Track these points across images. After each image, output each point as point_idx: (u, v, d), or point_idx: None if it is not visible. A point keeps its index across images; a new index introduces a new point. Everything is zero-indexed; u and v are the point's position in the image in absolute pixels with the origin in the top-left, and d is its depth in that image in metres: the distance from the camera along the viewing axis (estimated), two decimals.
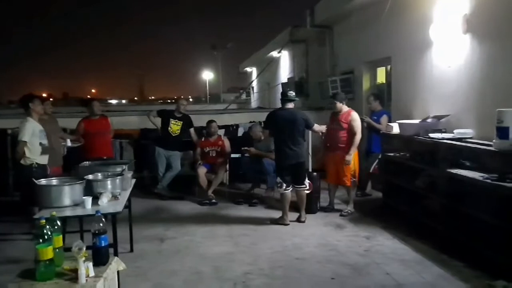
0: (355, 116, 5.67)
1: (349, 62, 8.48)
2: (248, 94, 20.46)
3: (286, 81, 12.73)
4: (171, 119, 6.90)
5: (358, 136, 5.59)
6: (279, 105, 5.70)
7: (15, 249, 4.68)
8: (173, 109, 7.08)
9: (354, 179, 5.81)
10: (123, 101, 53.18)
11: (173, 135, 6.92)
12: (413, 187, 5.24)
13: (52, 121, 5.76)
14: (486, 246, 3.93)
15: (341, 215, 5.73)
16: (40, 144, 4.94)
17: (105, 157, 5.95)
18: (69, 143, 6.06)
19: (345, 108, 5.76)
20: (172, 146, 6.94)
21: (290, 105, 5.52)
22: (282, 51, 12.87)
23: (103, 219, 2.77)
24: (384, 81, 7.54)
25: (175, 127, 6.90)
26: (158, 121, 7.08)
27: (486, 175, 3.94)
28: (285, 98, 5.51)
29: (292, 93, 5.63)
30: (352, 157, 5.59)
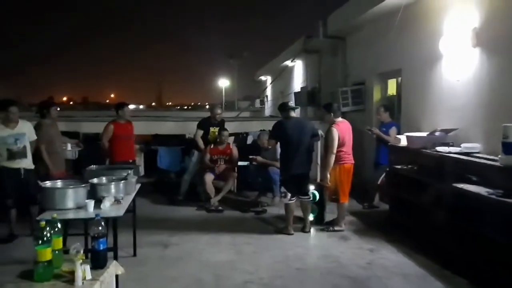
0: (330, 131, 5.35)
1: (360, 73, 8.46)
2: (263, 102, 20.57)
3: (299, 90, 12.76)
4: (210, 128, 7.11)
5: (329, 153, 5.31)
6: None
7: (20, 250, 4.77)
8: (209, 117, 7.22)
9: (334, 197, 5.51)
10: (141, 107, 53.74)
11: (211, 141, 7.11)
12: (419, 200, 5.19)
13: (54, 125, 5.78)
14: (490, 263, 3.87)
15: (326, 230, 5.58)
16: (8, 150, 5.02)
17: (130, 161, 6.12)
18: (69, 147, 6.17)
19: (334, 120, 5.49)
20: None
21: (294, 114, 5.54)
22: (296, 60, 12.92)
23: (102, 223, 2.81)
24: (395, 93, 7.50)
25: (213, 133, 7.12)
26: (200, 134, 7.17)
27: (491, 191, 3.89)
28: (287, 108, 5.52)
29: (291, 103, 5.70)
30: (327, 173, 5.35)
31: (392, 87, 7.66)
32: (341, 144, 5.37)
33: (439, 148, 4.78)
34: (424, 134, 5.37)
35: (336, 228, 5.54)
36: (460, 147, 4.66)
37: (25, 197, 5.14)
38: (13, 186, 5.06)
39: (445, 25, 5.38)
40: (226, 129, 7.08)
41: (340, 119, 5.58)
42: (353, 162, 5.58)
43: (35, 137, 5.32)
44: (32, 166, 5.26)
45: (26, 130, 5.20)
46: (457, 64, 5.19)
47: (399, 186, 5.70)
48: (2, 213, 5.22)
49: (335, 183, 5.46)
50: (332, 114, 5.50)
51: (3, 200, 5.10)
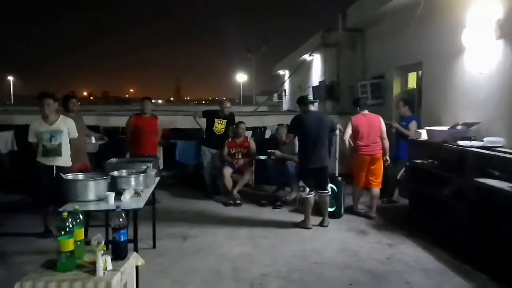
0: (352, 120, 5.90)
1: (380, 66, 8.36)
2: (280, 97, 20.53)
3: (318, 84, 12.68)
4: (215, 119, 7.09)
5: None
6: None
7: (43, 240, 4.87)
8: (218, 109, 7.23)
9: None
10: (159, 101, 54.37)
11: (218, 134, 7.08)
12: (439, 195, 5.11)
13: (78, 118, 5.68)
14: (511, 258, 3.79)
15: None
16: (43, 146, 4.89)
17: (146, 154, 6.11)
18: (93, 141, 6.25)
19: (357, 113, 5.99)
20: (217, 145, 7.06)
21: (313, 108, 5.53)
22: (314, 54, 12.83)
23: (123, 215, 2.86)
24: (415, 87, 7.38)
25: (219, 126, 7.10)
26: (203, 121, 7.25)
27: None
28: (306, 102, 5.48)
29: (310, 96, 5.78)
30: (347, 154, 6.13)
31: (412, 81, 7.54)
32: (355, 133, 5.82)
33: (460, 142, 4.69)
34: (445, 128, 5.28)
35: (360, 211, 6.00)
36: (483, 141, 4.57)
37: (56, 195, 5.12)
38: (46, 183, 4.90)
39: (468, 17, 5.26)
40: (242, 122, 7.09)
41: (365, 111, 5.94)
42: (371, 154, 5.82)
43: (76, 135, 5.06)
44: (67, 164, 4.99)
45: (64, 127, 4.96)
46: (480, 57, 5.08)
47: (419, 181, 5.62)
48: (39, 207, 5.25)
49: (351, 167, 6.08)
50: (358, 108, 5.98)
51: (39, 196, 5.08)
